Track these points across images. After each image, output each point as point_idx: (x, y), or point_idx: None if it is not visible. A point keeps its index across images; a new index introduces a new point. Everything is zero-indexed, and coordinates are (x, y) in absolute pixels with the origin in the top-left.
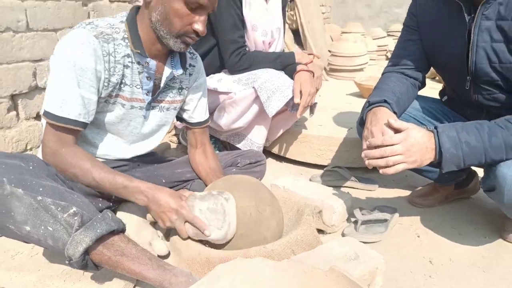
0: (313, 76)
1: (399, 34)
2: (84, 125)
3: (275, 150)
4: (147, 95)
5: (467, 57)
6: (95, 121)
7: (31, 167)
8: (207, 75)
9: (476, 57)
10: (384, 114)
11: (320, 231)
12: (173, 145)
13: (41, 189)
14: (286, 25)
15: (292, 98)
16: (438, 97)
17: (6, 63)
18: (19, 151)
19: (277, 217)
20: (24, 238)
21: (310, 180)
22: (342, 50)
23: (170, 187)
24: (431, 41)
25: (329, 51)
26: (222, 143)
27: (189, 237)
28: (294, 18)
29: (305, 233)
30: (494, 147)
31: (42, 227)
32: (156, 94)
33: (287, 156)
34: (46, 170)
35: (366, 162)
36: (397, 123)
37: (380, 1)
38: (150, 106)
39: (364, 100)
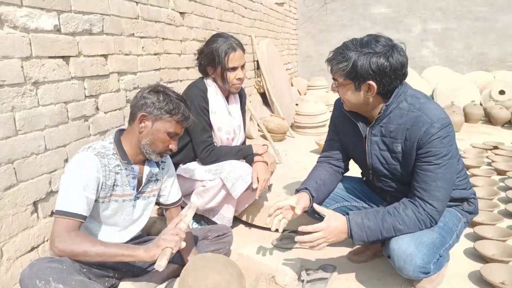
0: (267, 164)
1: None
2: (85, 217)
3: (244, 218)
4: (133, 190)
5: (366, 159)
6: (97, 218)
7: (65, 267)
8: (184, 163)
9: (372, 160)
10: (296, 195)
11: None
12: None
13: (73, 282)
14: (255, 90)
15: (251, 183)
16: (361, 176)
17: (31, 179)
18: (39, 243)
19: (240, 286)
20: None
21: (272, 244)
22: (305, 110)
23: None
24: (345, 143)
25: (295, 110)
26: (199, 216)
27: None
28: (261, 84)
29: None
30: (386, 229)
31: None
32: (140, 188)
33: (254, 223)
34: (74, 267)
35: (299, 244)
36: (318, 207)
37: None
38: (136, 197)
39: None
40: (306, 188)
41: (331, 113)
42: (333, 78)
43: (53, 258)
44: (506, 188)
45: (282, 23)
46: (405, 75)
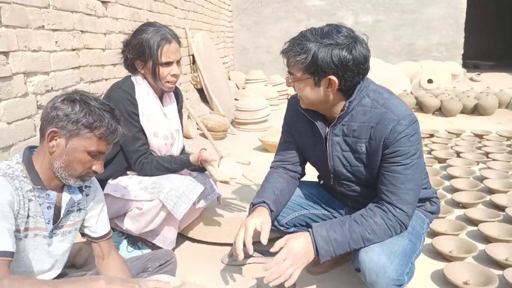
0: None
1: None
2: (12, 254)
3: (189, 234)
4: (48, 223)
5: (327, 161)
6: (17, 263)
7: None
8: (114, 177)
9: (333, 162)
10: (257, 213)
11: None
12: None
13: None
14: (191, 86)
15: (198, 196)
16: (317, 179)
17: None
18: None
19: None
20: None
21: (222, 261)
22: (245, 105)
23: None
24: (301, 144)
25: (235, 105)
26: (135, 237)
27: None
28: (198, 80)
29: None
30: (354, 240)
31: None
32: (58, 221)
33: (200, 238)
34: None
35: (271, 284)
36: (264, 229)
37: (277, 48)
38: (52, 234)
39: (268, 155)
40: (264, 202)
41: (273, 108)
42: (289, 72)
43: None
44: (449, 177)
45: (217, 15)
46: (367, 69)
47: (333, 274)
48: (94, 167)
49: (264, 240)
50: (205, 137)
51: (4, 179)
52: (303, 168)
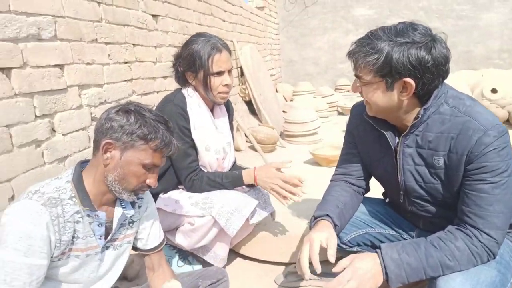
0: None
1: (346, 88)
2: None
3: (240, 251)
4: (100, 239)
5: (397, 176)
6: (50, 276)
7: None
8: (165, 192)
9: (404, 177)
10: (321, 227)
11: None
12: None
13: None
14: (240, 99)
15: (251, 212)
16: (382, 197)
17: None
18: None
19: None
20: None
21: (275, 281)
22: (295, 117)
23: None
24: (367, 156)
25: (284, 118)
26: (186, 252)
27: None
28: (246, 92)
29: None
30: (432, 266)
31: None
32: (110, 236)
33: (252, 256)
34: None
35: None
36: (330, 245)
37: (325, 59)
38: (104, 248)
39: (320, 168)
40: (327, 215)
41: (322, 120)
42: (357, 76)
43: None
44: None
45: (263, 27)
46: (447, 72)
47: None
48: (148, 181)
49: (331, 257)
50: (254, 149)
51: (45, 210)
52: (367, 183)
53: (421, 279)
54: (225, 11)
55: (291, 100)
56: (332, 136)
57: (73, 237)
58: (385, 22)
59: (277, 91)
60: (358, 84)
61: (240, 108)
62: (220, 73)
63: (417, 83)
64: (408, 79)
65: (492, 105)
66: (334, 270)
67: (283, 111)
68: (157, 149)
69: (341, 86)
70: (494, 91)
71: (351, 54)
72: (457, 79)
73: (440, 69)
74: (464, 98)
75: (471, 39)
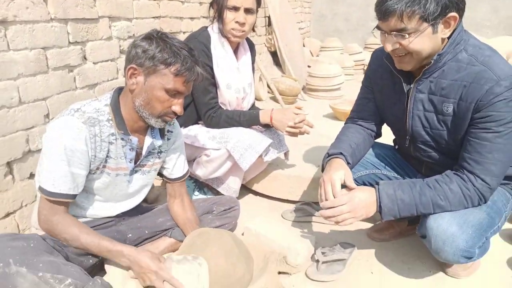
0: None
1: (376, 47)
2: (74, 196)
3: (252, 187)
4: (130, 162)
5: (406, 121)
6: (84, 188)
7: (32, 245)
8: (186, 126)
9: (412, 122)
10: (337, 165)
11: (285, 272)
12: (156, 183)
13: (41, 265)
14: (265, 48)
15: (265, 150)
16: (393, 143)
17: (2, 136)
18: (15, 209)
19: (247, 269)
20: None
21: (282, 216)
22: (319, 71)
23: (153, 236)
24: (380, 102)
25: (308, 71)
26: (202, 183)
27: None
28: (272, 42)
29: (268, 281)
30: (423, 204)
31: None
32: (139, 161)
33: (263, 192)
34: (45, 245)
35: (323, 217)
36: (348, 182)
37: (357, 16)
38: (133, 171)
39: (338, 123)
40: (342, 154)
41: (347, 78)
42: (396, 30)
43: (16, 235)
44: None
45: None
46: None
47: (395, 244)
48: (173, 108)
49: (353, 185)
50: (275, 100)
51: (85, 127)
52: (380, 128)
53: (412, 215)
54: None
55: (317, 56)
56: (355, 93)
57: (107, 156)
58: None
59: (304, 46)
60: (397, 40)
61: (264, 58)
62: (235, 8)
63: (460, 14)
64: (453, 13)
65: None
66: (333, 202)
67: (308, 66)
68: (178, 74)
69: (371, 45)
70: None
71: (389, 9)
72: (492, 45)
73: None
74: (484, 48)
75: None
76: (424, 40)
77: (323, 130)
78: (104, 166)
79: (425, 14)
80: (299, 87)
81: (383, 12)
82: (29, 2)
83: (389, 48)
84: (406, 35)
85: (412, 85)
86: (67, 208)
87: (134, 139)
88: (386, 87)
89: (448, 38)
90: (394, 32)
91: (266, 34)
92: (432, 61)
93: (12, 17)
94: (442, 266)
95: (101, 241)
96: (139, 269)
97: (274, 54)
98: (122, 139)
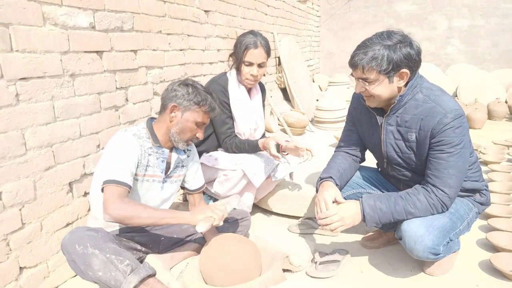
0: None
1: None
2: (131, 187)
3: (263, 205)
4: (162, 173)
5: (381, 148)
6: (132, 194)
7: (100, 236)
8: (208, 152)
9: (387, 148)
10: (328, 187)
11: (288, 270)
12: (179, 200)
13: (107, 249)
14: (276, 85)
15: (273, 170)
16: (376, 166)
17: (67, 162)
18: (73, 220)
19: (258, 261)
20: (97, 279)
21: (288, 229)
22: (325, 105)
23: (180, 240)
24: (361, 133)
25: (316, 105)
26: None
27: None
28: (282, 80)
29: (274, 273)
30: (398, 211)
31: (109, 273)
32: (169, 172)
33: (272, 209)
34: (109, 236)
35: (320, 227)
36: (338, 198)
37: None
38: (164, 180)
39: None
40: (331, 177)
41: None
42: (362, 78)
43: (90, 227)
44: None
45: (304, 20)
46: (421, 62)
47: (384, 250)
48: (197, 134)
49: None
50: (285, 132)
51: (135, 138)
52: (363, 154)
53: (390, 221)
54: (268, 6)
55: (326, 90)
56: None
57: (147, 165)
58: (426, 18)
59: (313, 81)
60: (365, 86)
61: (275, 94)
62: (250, 64)
63: (411, 71)
64: (404, 70)
65: None
66: (325, 213)
67: (316, 100)
68: (206, 112)
69: None
70: None
71: (356, 62)
72: (492, 77)
73: (420, 59)
74: (435, 89)
75: None
76: (382, 88)
77: (327, 158)
78: (144, 174)
79: (380, 70)
80: (307, 119)
81: (351, 64)
82: (90, 59)
83: (357, 90)
84: (367, 83)
85: (383, 119)
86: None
87: (166, 150)
88: (365, 121)
89: (408, 83)
90: (361, 80)
91: (276, 73)
92: (396, 101)
93: (78, 71)
94: (421, 266)
95: (163, 210)
96: (201, 212)
97: (284, 90)
98: (157, 152)
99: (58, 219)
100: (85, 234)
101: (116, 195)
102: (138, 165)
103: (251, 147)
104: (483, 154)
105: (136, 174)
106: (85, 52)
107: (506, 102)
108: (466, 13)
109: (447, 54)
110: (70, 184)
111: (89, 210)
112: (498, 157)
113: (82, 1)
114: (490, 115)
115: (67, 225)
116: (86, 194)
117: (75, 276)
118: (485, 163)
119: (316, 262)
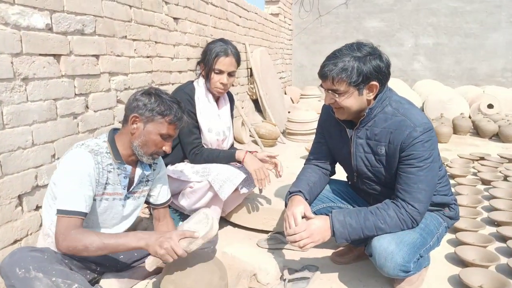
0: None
1: None
2: (86, 214)
3: (231, 219)
4: (124, 189)
5: (351, 161)
6: (89, 215)
7: (46, 257)
8: (173, 164)
9: (356, 162)
10: (297, 201)
11: None
12: (145, 215)
13: (54, 272)
14: (248, 97)
15: (242, 182)
16: (346, 180)
17: (16, 173)
18: (22, 237)
19: (224, 282)
20: None
21: (257, 244)
22: (297, 117)
23: (142, 257)
24: (331, 145)
25: (288, 117)
26: (186, 215)
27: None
28: (254, 91)
29: None
30: (368, 227)
31: None
32: (131, 188)
33: (240, 223)
34: (56, 257)
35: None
36: (308, 214)
37: None
38: (126, 197)
39: None
40: (300, 191)
41: None
42: (331, 90)
43: (34, 247)
44: (490, 197)
45: (276, 33)
46: (390, 74)
47: (354, 266)
48: (164, 148)
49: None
50: (256, 143)
51: (90, 155)
52: (333, 167)
53: (360, 237)
54: (240, 17)
55: (298, 102)
56: None
57: (106, 182)
58: (394, 35)
59: (285, 93)
60: (334, 97)
61: (247, 105)
62: (220, 72)
63: (380, 83)
64: (374, 82)
65: (485, 119)
66: (294, 229)
67: (288, 112)
68: (171, 122)
69: None
70: (490, 106)
71: (325, 73)
72: (457, 93)
73: (389, 71)
74: (404, 103)
75: (477, 57)
76: (351, 100)
77: (297, 170)
78: (103, 194)
79: (350, 81)
80: (278, 131)
81: (321, 75)
82: (45, 63)
83: (327, 101)
84: (337, 94)
85: (353, 132)
86: (81, 226)
87: (129, 167)
88: (334, 134)
89: (377, 95)
90: (330, 91)
91: (248, 84)
92: (365, 114)
93: (32, 75)
94: (392, 283)
95: (116, 235)
96: (156, 239)
97: (255, 102)
98: (118, 168)
99: (5, 235)
100: (28, 255)
101: (64, 227)
102: (96, 184)
103: (225, 157)
104: (450, 167)
105: (95, 195)
106: (40, 55)
107: (469, 117)
108: (431, 31)
109: (414, 70)
110: (19, 197)
111: (41, 225)
112: (464, 170)
113: (38, 0)
114: (455, 130)
115: (15, 242)
116: (38, 207)
117: None
118: (452, 177)
119: (285, 280)
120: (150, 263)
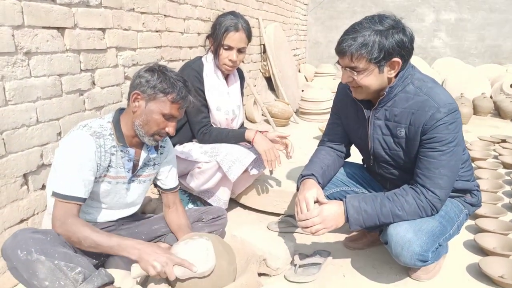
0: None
1: None
2: (84, 200)
3: (241, 200)
4: (128, 172)
5: (368, 143)
6: (90, 199)
7: (49, 238)
8: (181, 143)
9: (373, 144)
10: (310, 185)
11: (265, 274)
12: (154, 196)
13: (56, 254)
14: (260, 74)
15: (251, 163)
16: (361, 162)
17: (21, 151)
18: (28, 216)
19: (230, 264)
20: None
21: (267, 227)
22: (310, 96)
23: (149, 241)
24: (347, 126)
25: (301, 96)
26: (195, 196)
27: (176, 278)
28: (267, 68)
29: (248, 279)
30: (384, 214)
31: (57, 282)
32: (136, 171)
33: (250, 205)
34: (59, 239)
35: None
36: (320, 198)
37: None
38: (131, 180)
39: None
40: (313, 175)
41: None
42: (349, 67)
43: (37, 229)
44: (511, 182)
45: (291, 7)
46: (413, 50)
47: (367, 251)
48: (167, 129)
49: (320, 198)
50: (269, 122)
51: (92, 139)
52: (348, 149)
53: (375, 224)
54: None
55: (312, 80)
56: None
57: (109, 165)
58: (414, 10)
59: (299, 71)
60: (353, 75)
61: (259, 83)
62: (229, 48)
63: (403, 60)
64: (396, 58)
65: (507, 99)
66: (306, 215)
67: (302, 90)
68: (174, 101)
69: None
70: None
71: (343, 50)
72: (478, 72)
73: (412, 46)
74: (428, 81)
75: (501, 33)
76: (371, 78)
77: (310, 151)
78: (105, 175)
79: (371, 58)
80: (291, 110)
81: (338, 51)
82: (49, 36)
83: (344, 80)
84: (355, 72)
85: (371, 113)
86: (78, 212)
87: (132, 150)
88: (351, 114)
89: (398, 73)
90: (348, 68)
91: (261, 61)
92: (385, 93)
93: (35, 49)
94: (407, 270)
95: (111, 237)
96: (148, 257)
97: (268, 80)
98: (121, 151)
99: (10, 214)
100: (30, 237)
101: (62, 213)
102: (97, 168)
103: (235, 136)
104: (469, 150)
105: (96, 177)
106: (43, 27)
107: (491, 97)
108: (454, 6)
109: (434, 47)
110: (25, 176)
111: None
112: (484, 153)
113: None
114: (476, 110)
115: (22, 221)
116: (44, 187)
117: None
118: (472, 160)
119: (295, 265)
120: (136, 273)
